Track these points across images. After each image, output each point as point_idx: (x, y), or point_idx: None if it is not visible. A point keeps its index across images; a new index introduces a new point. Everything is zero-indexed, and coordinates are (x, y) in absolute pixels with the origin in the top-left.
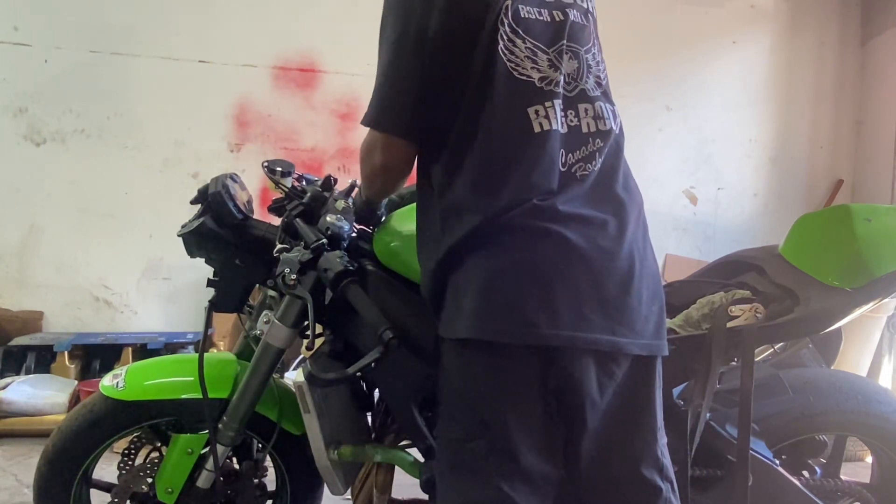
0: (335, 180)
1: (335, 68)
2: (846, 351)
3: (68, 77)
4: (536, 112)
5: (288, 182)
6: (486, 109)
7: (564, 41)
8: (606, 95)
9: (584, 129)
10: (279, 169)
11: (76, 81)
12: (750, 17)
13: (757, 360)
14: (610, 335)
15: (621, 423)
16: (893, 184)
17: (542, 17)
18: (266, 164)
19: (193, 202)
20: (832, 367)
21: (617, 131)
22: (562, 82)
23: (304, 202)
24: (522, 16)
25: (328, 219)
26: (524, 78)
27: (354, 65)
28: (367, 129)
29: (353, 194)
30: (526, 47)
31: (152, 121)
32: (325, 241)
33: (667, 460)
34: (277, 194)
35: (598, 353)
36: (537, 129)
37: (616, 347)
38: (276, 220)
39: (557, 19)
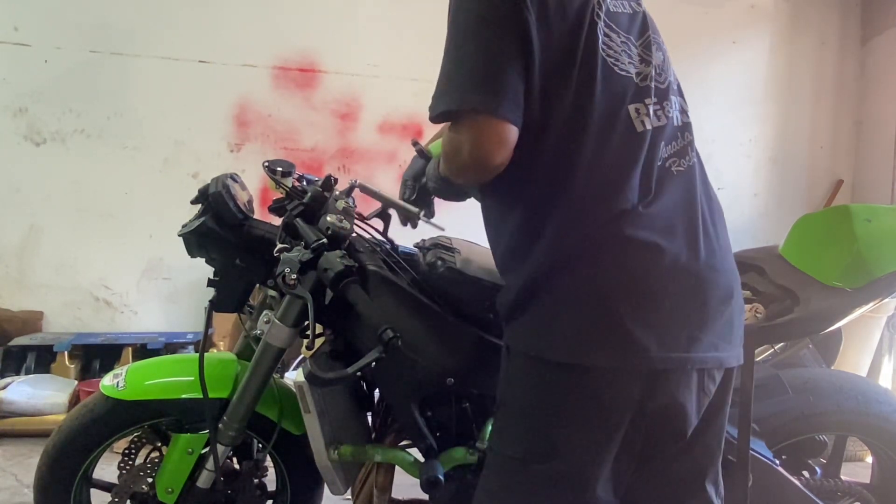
0: (335, 180)
1: (335, 68)
2: (846, 351)
3: (68, 77)
4: (637, 111)
5: (288, 182)
6: (585, 107)
7: (650, 32)
8: (681, 88)
9: (675, 123)
10: (280, 169)
11: (76, 81)
12: (750, 17)
13: (757, 360)
14: (714, 351)
15: (695, 434)
16: (893, 184)
17: (625, 10)
18: (266, 164)
19: (194, 202)
20: (832, 367)
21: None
22: (653, 75)
23: (304, 202)
24: (612, 9)
25: (328, 219)
26: (624, 73)
27: (354, 65)
28: (446, 122)
29: (354, 193)
30: (621, 41)
31: (152, 121)
32: (325, 240)
33: (720, 478)
34: (278, 194)
35: (701, 372)
36: (639, 128)
37: (719, 363)
38: (277, 221)
39: (636, 10)
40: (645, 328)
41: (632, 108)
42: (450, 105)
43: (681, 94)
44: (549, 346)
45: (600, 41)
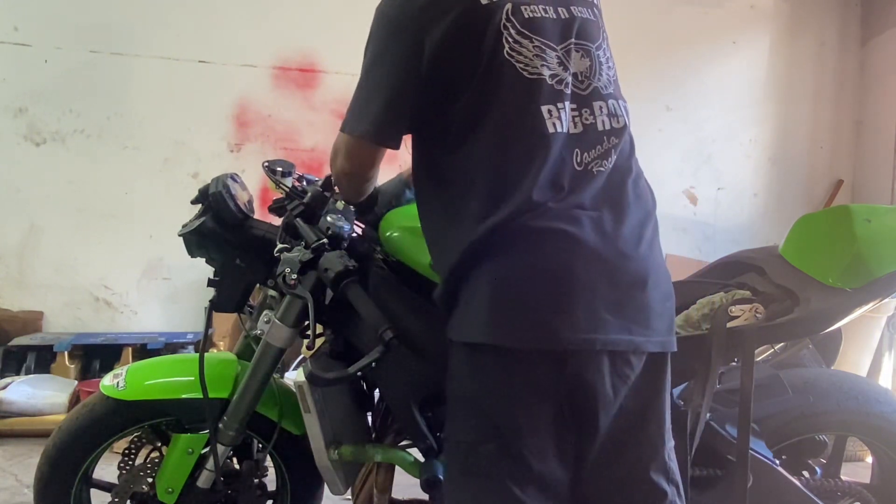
0: None
1: (335, 68)
2: (846, 351)
3: (68, 77)
4: (549, 112)
5: (288, 182)
6: (495, 111)
7: (573, 39)
8: (618, 91)
9: (600, 127)
10: (279, 169)
11: (76, 81)
12: (750, 18)
13: (757, 360)
14: (626, 334)
15: (631, 424)
16: (893, 184)
17: (548, 15)
18: (266, 164)
19: (194, 202)
20: (832, 367)
21: (630, 127)
22: (571, 81)
23: (304, 202)
24: (527, 16)
25: (329, 219)
26: (535, 76)
27: (354, 65)
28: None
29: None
30: (534, 46)
31: (152, 121)
32: (325, 240)
33: (673, 464)
34: (278, 194)
35: (613, 354)
36: (551, 129)
37: (633, 346)
38: (277, 221)
39: (563, 17)
40: (551, 309)
41: (545, 108)
42: (344, 128)
43: (619, 98)
44: (470, 330)
45: (506, 49)
